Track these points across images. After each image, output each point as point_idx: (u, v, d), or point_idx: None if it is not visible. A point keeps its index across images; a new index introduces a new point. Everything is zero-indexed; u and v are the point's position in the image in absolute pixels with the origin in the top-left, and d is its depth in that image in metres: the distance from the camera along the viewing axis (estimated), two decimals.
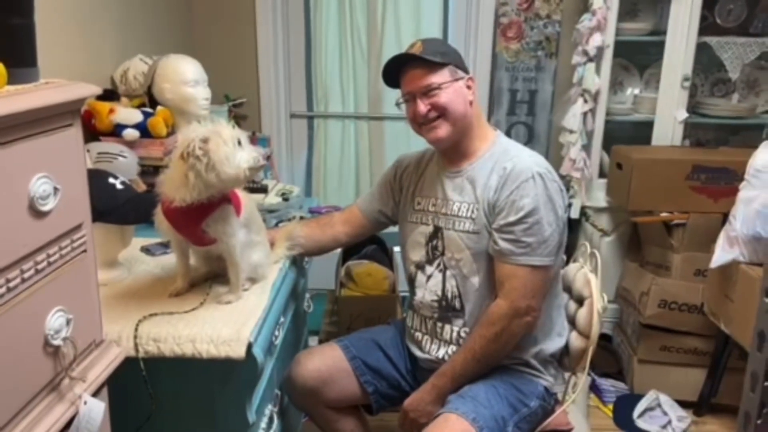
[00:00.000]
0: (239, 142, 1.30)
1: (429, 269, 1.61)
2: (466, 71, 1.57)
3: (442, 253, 1.58)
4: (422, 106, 1.51)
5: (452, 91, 1.51)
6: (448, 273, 1.57)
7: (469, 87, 1.55)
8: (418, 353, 1.66)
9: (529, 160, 1.50)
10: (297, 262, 1.75)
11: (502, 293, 1.47)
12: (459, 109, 1.52)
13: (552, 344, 1.59)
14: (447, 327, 1.59)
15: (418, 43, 1.53)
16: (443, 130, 1.52)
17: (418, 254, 1.64)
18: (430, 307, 1.61)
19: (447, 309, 1.59)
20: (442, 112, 1.51)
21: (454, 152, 1.59)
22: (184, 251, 1.45)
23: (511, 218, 1.45)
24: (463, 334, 1.56)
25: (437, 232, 1.59)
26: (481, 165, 1.55)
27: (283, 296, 1.55)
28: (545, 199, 1.45)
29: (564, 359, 1.66)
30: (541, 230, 1.44)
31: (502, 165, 1.50)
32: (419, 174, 1.68)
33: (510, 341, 1.50)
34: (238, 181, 1.32)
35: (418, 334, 1.66)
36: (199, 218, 1.34)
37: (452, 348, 1.58)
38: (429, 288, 1.61)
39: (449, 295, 1.58)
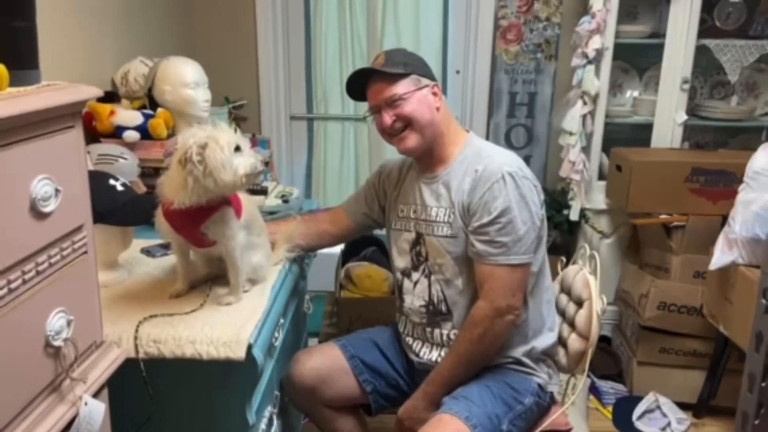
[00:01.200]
0: (237, 148, 1.30)
1: (415, 275, 1.62)
2: (432, 79, 1.58)
3: (426, 259, 1.59)
4: (387, 118, 1.53)
5: (416, 100, 1.52)
6: (433, 278, 1.58)
7: (435, 94, 1.56)
8: (412, 357, 1.67)
9: (500, 160, 1.50)
10: (297, 264, 1.75)
11: (482, 294, 1.48)
12: (425, 117, 1.53)
13: (543, 340, 1.59)
14: (437, 331, 1.60)
15: (381, 56, 1.55)
16: (412, 140, 1.54)
17: (403, 261, 1.65)
18: (419, 312, 1.62)
19: (434, 313, 1.59)
20: (407, 122, 1.52)
21: (428, 159, 1.60)
22: (184, 253, 1.46)
23: (485, 220, 1.46)
24: (453, 337, 1.57)
25: (419, 238, 1.60)
26: (456, 168, 1.56)
27: (283, 298, 1.55)
28: (517, 198, 1.46)
29: (562, 360, 1.66)
30: (515, 229, 1.45)
31: (474, 167, 1.51)
32: (400, 181, 1.70)
33: (495, 341, 1.50)
34: (235, 187, 1.32)
35: (410, 339, 1.68)
36: (199, 220, 1.34)
37: (444, 350, 1.58)
38: (416, 294, 1.62)
39: (435, 300, 1.59)
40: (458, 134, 1.61)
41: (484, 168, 1.49)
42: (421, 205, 1.60)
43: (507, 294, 1.46)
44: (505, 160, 1.51)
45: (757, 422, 1.76)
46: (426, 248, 1.59)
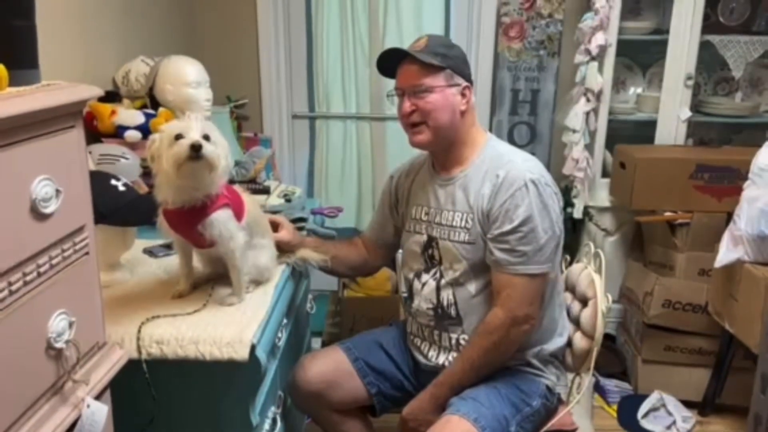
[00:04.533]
0: (179, 136, 1.25)
1: (425, 277, 1.60)
2: (467, 77, 1.53)
3: (440, 263, 1.57)
4: (407, 105, 1.49)
5: (442, 97, 1.48)
6: (443, 282, 1.56)
7: (463, 95, 1.52)
8: (419, 358, 1.65)
9: (522, 166, 1.47)
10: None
11: (499, 302, 1.46)
12: (443, 118, 1.49)
13: (553, 343, 1.58)
14: (445, 335, 1.58)
15: (424, 39, 1.50)
16: (424, 135, 1.51)
17: (416, 263, 1.63)
18: (426, 315, 1.60)
19: (443, 317, 1.57)
20: (424, 118, 1.49)
21: (445, 158, 1.58)
22: (186, 253, 1.45)
23: (506, 228, 1.43)
24: (462, 342, 1.55)
25: (431, 241, 1.58)
26: (474, 171, 1.53)
27: (286, 298, 1.54)
28: (539, 206, 1.43)
29: (567, 359, 1.65)
30: (537, 238, 1.43)
31: (495, 172, 1.48)
32: (410, 181, 1.68)
33: (509, 350, 1.49)
34: (179, 177, 1.26)
35: (418, 340, 1.66)
36: (195, 220, 1.33)
37: (453, 354, 1.57)
38: (424, 296, 1.60)
39: (445, 303, 1.56)
40: (477, 136, 1.57)
41: (506, 174, 1.45)
42: (436, 207, 1.57)
43: (525, 303, 1.44)
44: (528, 167, 1.47)
45: None
46: (440, 252, 1.56)
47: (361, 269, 1.86)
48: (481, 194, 1.48)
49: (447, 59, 1.49)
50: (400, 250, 1.71)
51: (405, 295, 1.68)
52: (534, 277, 1.45)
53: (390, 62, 1.54)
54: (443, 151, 1.56)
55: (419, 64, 1.48)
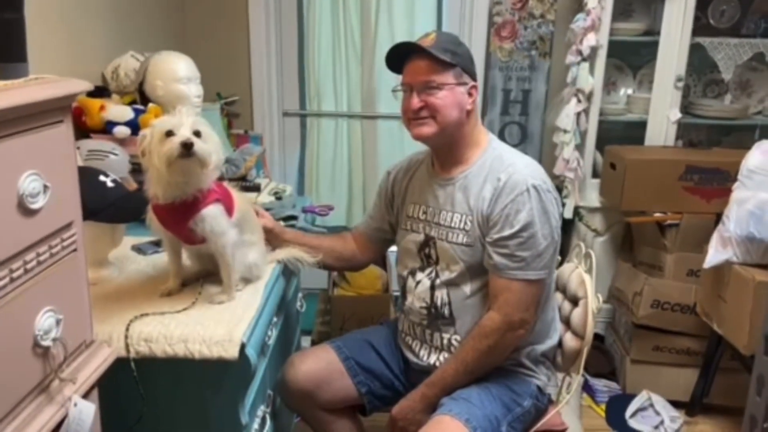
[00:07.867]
0: (170, 133, 1.24)
1: (419, 276, 1.60)
2: (473, 77, 1.52)
3: (436, 263, 1.56)
4: (416, 101, 1.47)
5: (451, 95, 1.47)
6: (438, 281, 1.55)
7: (470, 94, 1.51)
8: (410, 357, 1.65)
9: (524, 171, 1.46)
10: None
11: (495, 306, 1.46)
12: (452, 115, 1.47)
13: (544, 344, 1.58)
14: (437, 334, 1.58)
15: (432, 35, 1.48)
16: (429, 128, 1.48)
17: (411, 261, 1.62)
18: (419, 313, 1.59)
19: (436, 317, 1.57)
20: (433, 114, 1.47)
21: (446, 158, 1.56)
22: (176, 250, 1.44)
23: (506, 232, 1.43)
24: (454, 342, 1.55)
25: (428, 241, 1.57)
26: (474, 173, 1.52)
27: (276, 296, 1.53)
28: (540, 212, 1.43)
29: (557, 359, 1.65)
30: (536, 244, 1.42)
31: (497, 175, 1.47)
32: (408, 179, 1.67)
33: (503, 353, 1.49)
34: (171, 174, 1.25)
35: (409, 339, 1.66)
36: (187, 216, 1.32)
37: (444, 355, 1.56)
38: (417, 294, 1.59)
39: (438, 303, 1.56)
40: (479, 136, 1.56)
41: (508, 177, 1.45)
42: (434, 207, 1.56)
43: (521, 308, 1.44)
44: (530, 172, 1.46)
45: (765, 425, 1.75)
46: (437, 252, 1.55)
47: (349, 262, 1.83)
48: (481, 197, 1.48)
49: (456, 57, 1.48)
50: (394, 249, 1.70)
51: (398, 292, 1.68)
52: (531, 283, 1.44)
53: (395, 57, 1.52)
54: (445, 149, 1.55)
55: (429, 59, 1.46)
